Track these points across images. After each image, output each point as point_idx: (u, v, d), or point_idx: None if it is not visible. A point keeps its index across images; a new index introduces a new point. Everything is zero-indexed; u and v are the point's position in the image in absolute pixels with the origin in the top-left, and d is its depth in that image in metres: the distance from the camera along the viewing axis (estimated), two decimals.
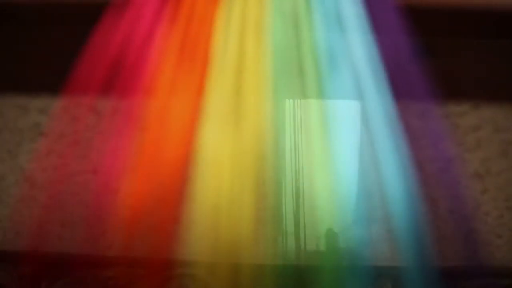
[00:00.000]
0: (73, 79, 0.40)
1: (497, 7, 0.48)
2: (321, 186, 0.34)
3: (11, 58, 0.63)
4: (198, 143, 0.36)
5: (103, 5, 0.44)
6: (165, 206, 0.39)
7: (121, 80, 0.38)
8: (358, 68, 0.36)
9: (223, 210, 0.34)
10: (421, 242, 0.37)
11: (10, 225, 0.86)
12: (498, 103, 0.68)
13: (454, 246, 0.48)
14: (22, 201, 0.83)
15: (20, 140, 0.76)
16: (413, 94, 0.38)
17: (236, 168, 0.34)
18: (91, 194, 0.79)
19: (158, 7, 0.36)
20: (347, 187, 0.34)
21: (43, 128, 0.72)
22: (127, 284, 0.72)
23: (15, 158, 0.77)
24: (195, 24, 0.35)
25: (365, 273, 0.36)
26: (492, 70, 0.62)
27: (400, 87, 0.36)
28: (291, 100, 0.37)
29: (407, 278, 0.36)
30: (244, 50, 0.34)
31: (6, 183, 0.79)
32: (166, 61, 0.36)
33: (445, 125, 0.49)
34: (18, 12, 0.59)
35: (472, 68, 0.62)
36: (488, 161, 0.71)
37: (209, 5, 0.36)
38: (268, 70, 0.35)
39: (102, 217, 0.65)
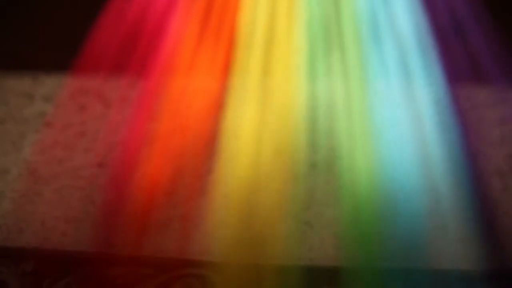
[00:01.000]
0: (84, 56, 0.36)
1: None
2: (361, 171, 0.30)
3: (15, 39, 0.60)
4: (224, 121, 0.33)
5: None
6: (187, 190, 0.36)
7: (137, 57, 0.35)
8: (404, 42, 0.32)
9: (250, 191, 0.30)
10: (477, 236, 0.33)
11: (14, 221, 0.83)
12: None
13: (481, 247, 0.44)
14: (26, 196, 0.81)
15: (25, 131, 0.74)
16: (475, 76, 0.33)
17: (263, 147, 0.31)
18: (97, 189, 0.76)
19: None
20: (390, 174, 0.30)
21: (49, 117, 0.69)
22: (133, 283, 0.69)
23: (19, 150, 0.74)
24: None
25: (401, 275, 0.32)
26: None
27: (456, 67, 0.32)
28: (328, 78, 0.33)
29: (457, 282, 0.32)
30: (275, 22, 0.30)
31: (10, 177, 0.76)
32: (188, 35, 0.32)
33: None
34: None
35: None
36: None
37: None
38: (302, 45, 0.31)
39: (109, 213, 0.62)
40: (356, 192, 0.31)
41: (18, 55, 0.58)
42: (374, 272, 0.32)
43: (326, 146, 0.31)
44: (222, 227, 0.36)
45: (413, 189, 0.33)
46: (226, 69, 0.32)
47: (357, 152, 0.31)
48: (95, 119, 0.64)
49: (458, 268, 0.35)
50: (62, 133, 0.70)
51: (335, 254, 0.39)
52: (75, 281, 0.85)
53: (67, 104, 0.65)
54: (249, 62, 0.32)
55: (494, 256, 0.41)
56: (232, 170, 0.33)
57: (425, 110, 0.32)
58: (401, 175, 0.33)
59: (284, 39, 0.32)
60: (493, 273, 0.48)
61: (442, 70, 0.32)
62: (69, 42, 0.51)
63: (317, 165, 0.33)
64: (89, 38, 0.37)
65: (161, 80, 0.35)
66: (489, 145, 0.61)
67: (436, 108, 0.32)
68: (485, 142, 0.47)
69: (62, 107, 0.66)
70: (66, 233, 0.84)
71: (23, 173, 0.76)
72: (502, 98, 0.37)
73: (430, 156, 0.32)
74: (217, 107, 0.33)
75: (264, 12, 0.33)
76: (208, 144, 0.33)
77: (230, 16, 0.33)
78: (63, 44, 0.54)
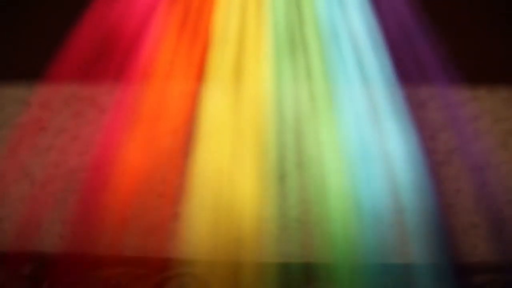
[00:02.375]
0: (59, 61, 0.39)
1: None
2: (329, 174, 0.33)
3: (11, 48, 0.63)
4: (198, 115, 0.35)
5: None
6: (165, 185, 0.39)
7: (116, 61, 0.37)
8: (360, 48, 0.35)
9: (224, 181, 0.33)
10: (435, 236, 0.36)
11: (10, 225, 0.85)
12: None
13: (471, 240, 0.47)
14: (22, 200, 0.82)
15: (21, 136, 0.75)
16: (422, 77, 0.37)
17: (236, 140, 0.34)
18: (90, 191, 0.78)
19: None
20: (355, 174, 0.33)
21: (44, 123, 0.71)
22: (128, 283, 0.71)
23: (16, 155, 0.76)
24: (194, 2, 0.35)
25: (375, 270, 0.34)
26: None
27: (406, 69, 0.35)
28: (294, 80, 0.36)
29: (421, 274, 0.35)
30: (245, 28, 0.34)
31: (6, 181, 0.78)
32: (167, 39, 0.36)
33: (463, 110, 0.47)
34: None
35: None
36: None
37: None
38: (269, 49, 0.35)
39: (100, 215, 0.64)
40: (327, 196, 0.34)
41: (14, 64, 0.60)
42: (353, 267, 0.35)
43: (295, 149, 0.34)
44: (202, 226, 0.39)
45: (377, 190, 0.36)
46: (201, 72, 0.35)
47: (326, 155, 0.34)
48: (89, 123, 0.66)
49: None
50: (57, 137, 0.72)
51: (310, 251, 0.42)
52: (72, 282, 0.86)
53: (62, 110, 0.67)
54: (223, 62, 0.36)
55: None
56: (208, 170, 0.36)
57: (383, 111, 0.36)
58: (367, 176, 0.36)
59: (253, 43, 0.36)
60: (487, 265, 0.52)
61: (393, 71, 0.36)
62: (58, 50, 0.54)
63: (287, 175, 0.36)
64: (69, 46, 0.39)
65: (141, 84, 0.38)
66: (430, 139, 0.64)
67: (391, 106, 0.36)
68: (427, 135, 0.50)
69: (58, 113, 0.68)
70: (62, 235, 0.85)
71: (19, 177, 0.78)
72: (444, 95, 0.40)
73: (390, 153, 0.35)
74: (193, 108, 0.36)
75: (235, 18, 0.36)
76: (185, 142, 0.36)
77: (205, 21, 0.36)
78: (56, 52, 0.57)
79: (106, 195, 0.43)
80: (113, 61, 0.39)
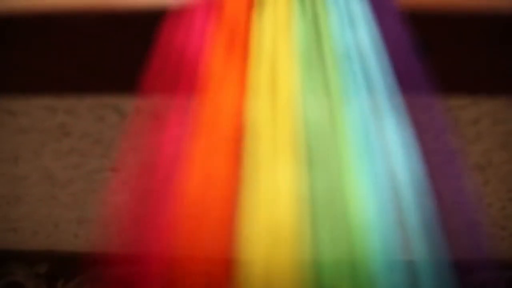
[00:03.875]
0: (148, 81, 0.45)
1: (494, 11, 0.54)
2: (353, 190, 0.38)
3: (42, 60, 0.68)
4: (245, 125, 0.41)
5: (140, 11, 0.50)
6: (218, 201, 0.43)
7: (182, 80, 0.44)
8: (369, 65, 0.42)
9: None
10: (432, 235, 0.41)
11: (29, 224, 0.89)
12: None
13: (458, 239, 0.52)
14: (42, 200, 0.86)
15: (45, 140, 0.80)
16: (414, 88, 0.44)
17: (274, 148, 0.39)
18: (109, 191, 0.82)
19: (206, 15, 0.43)
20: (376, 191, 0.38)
21: (68, 128, 0.76)
22: (141, 282, 0.74)
23: (39, 158, 0.80)
24: (236, 28, 0.42)
25: (394, 268, 0.39)
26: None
27: (402, 82, 0.42)
28: (315, 92, 0.42)
29: (420, 272, 0.40)
30: (276, 50, 0.40)
31: (28, 183, 0.82)
32: (216, 60, 0.42)
33: (446, 118, 0.54)
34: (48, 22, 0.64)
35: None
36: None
37: (246, 11, 0.42)
38: (296, 66, 0.41)
39: (122, 215, 0.68)
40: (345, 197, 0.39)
41: (44, 74, 0.65)
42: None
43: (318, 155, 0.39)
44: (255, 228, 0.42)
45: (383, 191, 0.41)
46: (244, 85, 0.41)
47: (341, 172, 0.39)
48: (111, 128, 0.70)
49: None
50: (80, 141, 0.76)
51: None
52: (87, 280, 0.90)
53: (87, 116, 0.72)
54: (260, 81, 0.42)
55: (477, 247, 0.49)
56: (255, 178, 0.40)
57: (388, 119, 0.42)
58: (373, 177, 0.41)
59: (283, 61, 0.42)
60: (477, 263, 0.57)
61: (394, 81, 0.42)
62: (91, 64, 0.59)
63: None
64: (148, 66, 0.45)
65: (195, 97, 0.44)
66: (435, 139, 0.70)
67: (392, 110, 0.42)
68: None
69: (82, 118, 0.73)
70: (78, 234, 0.90)
71: (41, 179, 0.82)
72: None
73: (391, 152, 0.41)
74: (240, 119, 0.42)
75: (268, 42, 0.42)
76: (237, 151, 0.41)
77: (245, 41, 0.42)
78: (85, 65, 0.63)
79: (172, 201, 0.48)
80: (169, 75, 0.45)
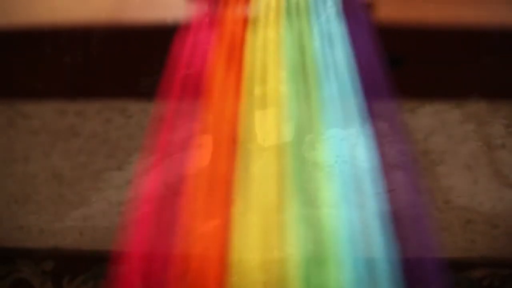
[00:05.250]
0: (166, 88, 0.52)
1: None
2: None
3: (54, 66, 0.72)
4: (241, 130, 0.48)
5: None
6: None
7: (189, 88, 0.51)
8: (342, 77, 0.49)
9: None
10: (389, 235, 0.47)
11: (35, 222, 0.92)
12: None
13: (411, 239, 0.56)
14: (50, 198, 0.90)
15: (55, 141, 0.84)
16: (378, 98, 0.50)
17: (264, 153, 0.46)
18: (114, 189, 0.86)
19: (208, 31, 0.50)
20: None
21: (78, 129, 0.80)
22: (146, 278, 0.76)
23: (49, 158, 0.84)
24: (234, 43, 0.48)
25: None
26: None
27: (369, 92, 0.49)
28: (300, 103, 0.49)
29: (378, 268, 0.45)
30: (266, 62, 0.47)
31: (37, 181, 0.85)
32: (217, 71, 0.49)
33: (403, 125, 0.61)
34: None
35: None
36: None
37: (242, 28, 0.50)
38: (284, 77, 0.48)
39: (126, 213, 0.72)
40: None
41: (55, 79, 0.70)
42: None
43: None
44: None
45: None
46: (240, 95, 0.48)
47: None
48: (117, 129, 0.72)
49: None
50: (88, 141, 0.80)
51: None
52: (92, 278, 0.93)
53: (95, 118, 0.76)
54: (253, 91, 0.49)
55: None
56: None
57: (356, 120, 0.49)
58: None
59: (272, 78, 0.49)
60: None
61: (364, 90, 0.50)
62: (99, 70, 0.65)
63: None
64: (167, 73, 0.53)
65: (195, 102, 0.51)
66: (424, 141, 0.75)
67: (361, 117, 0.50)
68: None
69: (90, 120, 0.77)
70: (83, 233, 0.93)
71: (49, 178, 0.86)
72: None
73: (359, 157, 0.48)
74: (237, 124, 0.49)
75: (259, 55, 0.50)
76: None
77: (241, 56, 0.49)
78: (93, 71, 0.68)
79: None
80: (179, 83, 0.52)
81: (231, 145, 0.51)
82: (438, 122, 0.73)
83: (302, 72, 0.49)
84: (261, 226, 0.52)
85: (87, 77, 0.69)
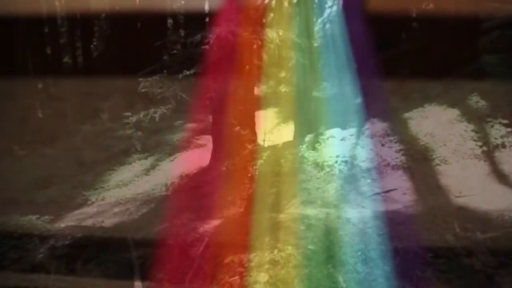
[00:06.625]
0: (207, 64, 0.80)
1: None
2: None
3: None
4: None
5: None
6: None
7: (223, 64, 0.77)
8: (339, 51, 0.84)
9: None
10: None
11: (55, 208, 0.82)
12: None
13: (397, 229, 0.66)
14: (70, 182, 0.91)
15: (80, 124, 0.95)
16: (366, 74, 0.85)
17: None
18: (131, 172, 0.98)
19: (235, 17, 0.79)
20: None
21: (102, 112, 0.96)
22: (153, 264, 0.71)
23: (72, 141, 0.94)
24: (255, 26, 0.74)
25: None
26: None
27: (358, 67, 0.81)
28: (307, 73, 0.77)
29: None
30: (280, 39, 0.74)
31: (60, 164, 0.92)
32: (243, 49, 0.73)
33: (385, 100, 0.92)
34: None
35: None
36: None
37: (261, 14, 0.81)
38: (293, 51, 0.74)
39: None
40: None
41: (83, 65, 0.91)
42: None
43: None
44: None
45: None
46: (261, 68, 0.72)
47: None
48: (138, 112, 0.83)
49: None
50: (111, 123, 1.01)
51: None
52: (104, 262, 0.79)
53: (119, 102, 1.04)
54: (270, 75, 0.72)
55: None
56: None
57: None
58: None
59: (285, 49, 0.71)
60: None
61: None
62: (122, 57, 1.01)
63: None
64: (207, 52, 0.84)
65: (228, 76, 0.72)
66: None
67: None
68: None
69: (114, 103, 1.01)
70: (97, 219, 0.89)
71: (71, 161, 0.93)
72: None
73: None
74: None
75: (274, 45, 0.70)
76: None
77: (261, 36, 0.70)
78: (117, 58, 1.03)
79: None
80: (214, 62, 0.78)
81: (255, 111, 0.84)
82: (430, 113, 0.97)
83: (308, 45, 0.89)
84: (261, 225, 0.58)
85: (111, 64, 0.80)
